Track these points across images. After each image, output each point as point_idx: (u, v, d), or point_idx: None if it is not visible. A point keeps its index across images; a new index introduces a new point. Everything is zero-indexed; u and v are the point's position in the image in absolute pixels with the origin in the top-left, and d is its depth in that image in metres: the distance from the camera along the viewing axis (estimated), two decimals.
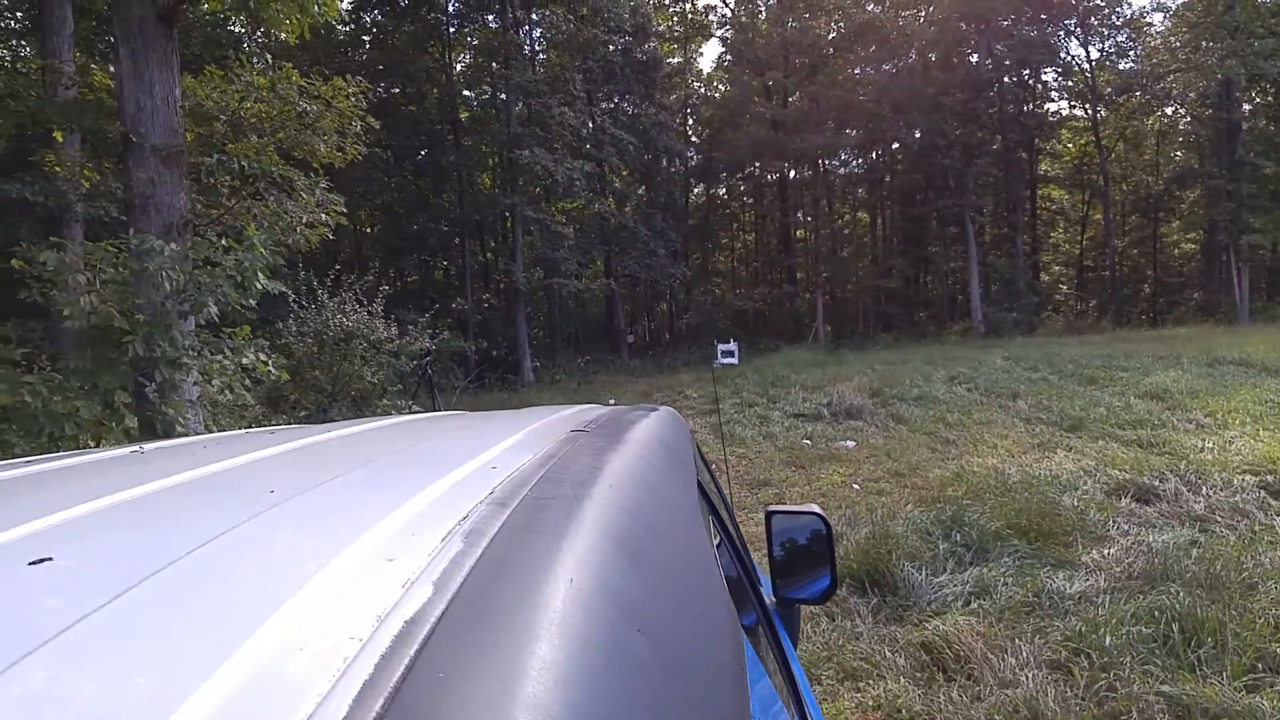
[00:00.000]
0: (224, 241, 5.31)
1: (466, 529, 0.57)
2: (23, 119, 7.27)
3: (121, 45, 5.97)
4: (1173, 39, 30.84)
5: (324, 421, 7.98)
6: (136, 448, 1.22)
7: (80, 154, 8.65)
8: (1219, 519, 5.53)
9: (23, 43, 15.39)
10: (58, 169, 7.95)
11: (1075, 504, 5.93)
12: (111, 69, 8.72)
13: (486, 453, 0.90)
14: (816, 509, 1.74)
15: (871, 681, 3.60)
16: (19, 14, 15.31)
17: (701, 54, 47.07)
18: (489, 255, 29.98)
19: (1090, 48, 31.14)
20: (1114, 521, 5.56)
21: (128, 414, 4.81)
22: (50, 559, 0.54)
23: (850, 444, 9.27)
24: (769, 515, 1.76)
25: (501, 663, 0.39)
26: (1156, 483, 6.36)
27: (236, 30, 14.73)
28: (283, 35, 6.59)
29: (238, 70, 6.45)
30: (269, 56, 6.40)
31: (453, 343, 11.59)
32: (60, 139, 7.91)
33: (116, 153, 7.85)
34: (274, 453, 1.03)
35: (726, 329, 26.78)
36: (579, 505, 0.65)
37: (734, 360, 21.15)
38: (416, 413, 8.69)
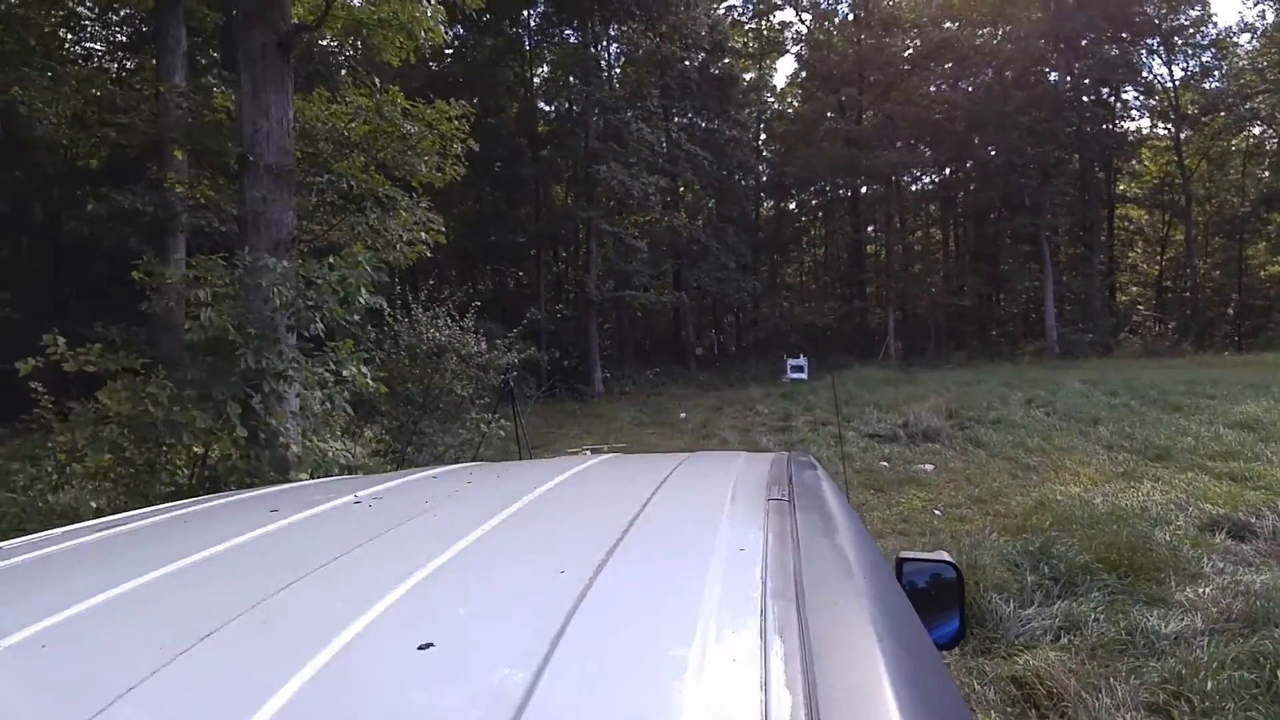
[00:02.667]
0: (330, 259, 5.54)
1: (776, 625, 0.63)
2: (141, 136, 7.72)
3: (243, 70, 6.29)
4: (1261, 60, 29.78)
5: (414, 432, 8.22)
6: (353, 498, 1.31)
7: (189, 170, 9.10)
8: None
9: (130, 57, 16.29)
10: (179, 186, 8.40)
11: (1167, 539, 5.73)
12: (222, 88, 9.17)
13: (718, 529, 0.96)
14: (948, 556, 1.77)
15: None
16: (129, 29, 16.20)
17: (776, 70, 46.95)
18: (561, 266, 30.33)
19: (1174, 67, 30.29)
20: (1208, 559, 5.35)
21: (239, 424, 5.05)
22: (433, 644, 0.62)
23: (929, 468, 9.15)
24: (900, 562, 1.80)
25: None
26: (1253, 519, 6.10)
27: (345, 54, 15.31)
28: (388, 58, 6.90)
29: (345, 93, 6.74)
30: (376, 80, 6.66)
31: (529, 353, 11.86)
32: (180, 157, 8.38)
33: (227, 169, 8.24)
34: (504, 518, 1.09)
35: (795, 343, 26.53)
36: (859, 602, 0.71)
37: (803, 376, 20.92)
38: (500, 425, 8.89)
